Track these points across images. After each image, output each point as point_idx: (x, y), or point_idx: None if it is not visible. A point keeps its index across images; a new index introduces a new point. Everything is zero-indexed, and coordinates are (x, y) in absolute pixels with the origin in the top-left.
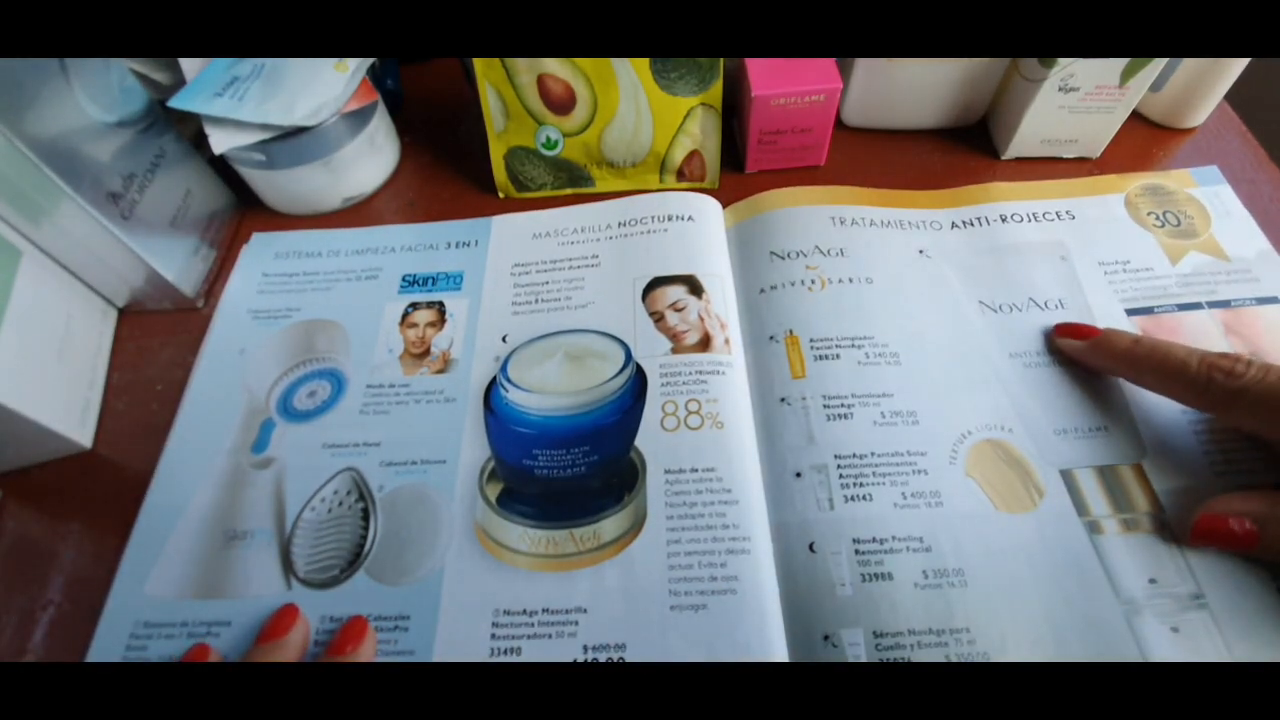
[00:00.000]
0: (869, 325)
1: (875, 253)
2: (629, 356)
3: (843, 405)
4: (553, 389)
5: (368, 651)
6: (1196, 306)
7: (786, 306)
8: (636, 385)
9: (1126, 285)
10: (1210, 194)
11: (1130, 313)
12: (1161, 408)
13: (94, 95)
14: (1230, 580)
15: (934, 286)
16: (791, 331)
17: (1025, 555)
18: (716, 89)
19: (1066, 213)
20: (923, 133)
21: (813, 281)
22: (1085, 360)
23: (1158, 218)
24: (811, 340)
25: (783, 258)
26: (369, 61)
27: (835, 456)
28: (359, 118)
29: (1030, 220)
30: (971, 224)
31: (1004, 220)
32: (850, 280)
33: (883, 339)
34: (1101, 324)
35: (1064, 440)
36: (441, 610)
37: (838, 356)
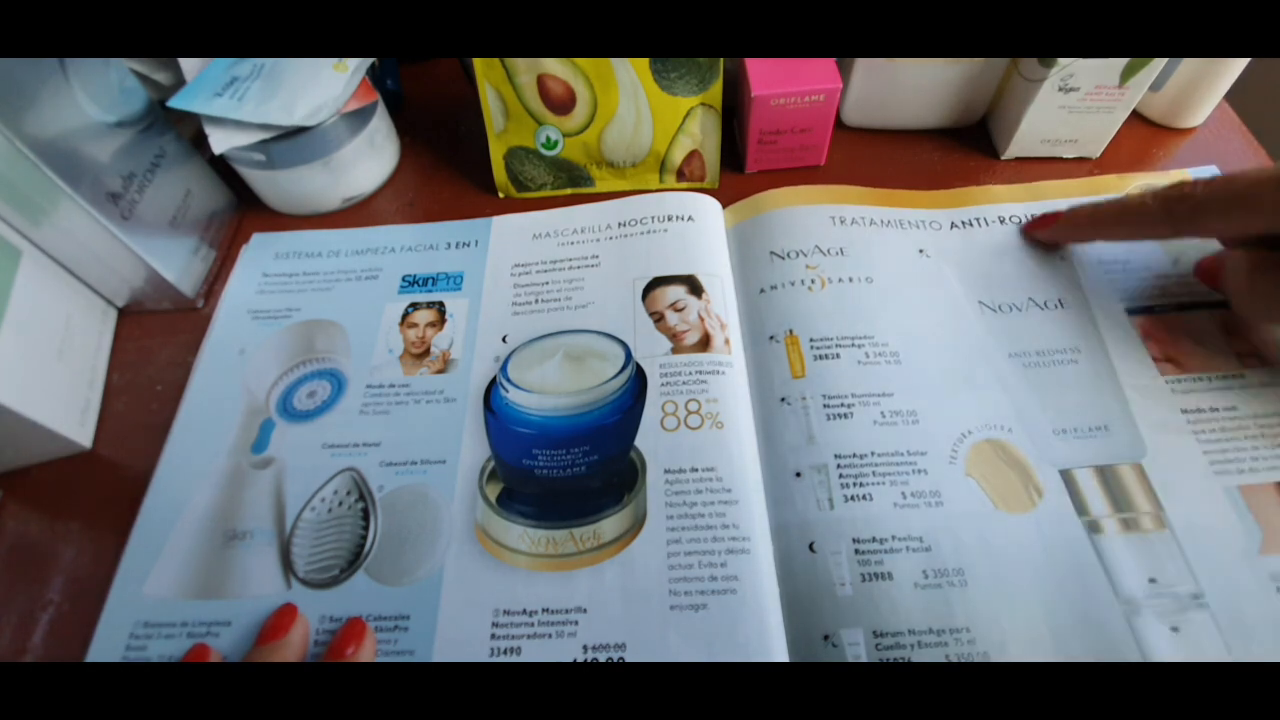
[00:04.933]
0: (869, 325)
1: (875, 252)
2: (629, 356)
3: (843, 405)
4: (553, 389)
5: (368, 652)
6: (1196, 307)
7: (786, 306)
8: (636, 385)
9: (1127, 285)
10: None
11: (1130, 312)
12: (1160, 405)
13: (94, 95)
14: (1230, 580)
15: (934, 286)
16: (791, 331)
17: (1025, 555)
18: (716, 89)
19: None
20: (923, 133)
21: (813, 281)
22: (1061, 238)
23: None
24: (811, 340)
25: (783, 257)
26: (369, 61)
27: (835, 456)
28: (359, 118)
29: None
30: (971, 224)
31: (1004, 221)
32: (850, 280)
33: (883, 339)
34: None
35: (1063, 440)
36: (441, 610)
37: (838, 356)
